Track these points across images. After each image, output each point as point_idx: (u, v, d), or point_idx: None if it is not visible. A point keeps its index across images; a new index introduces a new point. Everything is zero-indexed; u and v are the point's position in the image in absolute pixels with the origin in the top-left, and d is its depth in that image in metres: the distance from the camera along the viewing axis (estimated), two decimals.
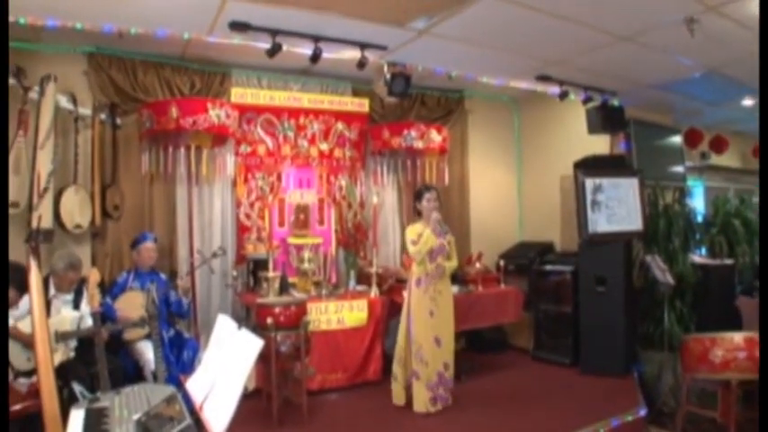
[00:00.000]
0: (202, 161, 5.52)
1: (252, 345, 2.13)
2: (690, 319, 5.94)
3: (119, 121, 5.45)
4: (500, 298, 6.12)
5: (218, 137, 5.48)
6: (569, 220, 6.87)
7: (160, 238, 5.42)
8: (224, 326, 2.46)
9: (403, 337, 5.01)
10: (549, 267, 6.79)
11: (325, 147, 6.50)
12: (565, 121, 7.33)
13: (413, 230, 5.01)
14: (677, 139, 7.72)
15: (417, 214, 5.10)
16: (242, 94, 6.05)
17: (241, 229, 6.03)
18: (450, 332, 4.94)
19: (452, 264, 5.03)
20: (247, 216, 6.07)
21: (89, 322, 3.88)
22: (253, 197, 6.11)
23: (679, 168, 7.68)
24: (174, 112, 5.12)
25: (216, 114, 5.26)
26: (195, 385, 2.39)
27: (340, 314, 5.48)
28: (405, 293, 5.07)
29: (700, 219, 6.70)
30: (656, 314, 5.85)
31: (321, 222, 6.31)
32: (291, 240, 6.03)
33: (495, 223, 7.74)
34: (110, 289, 4.94)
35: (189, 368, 4.52)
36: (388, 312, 5.73)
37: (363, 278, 6.08)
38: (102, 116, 5.37)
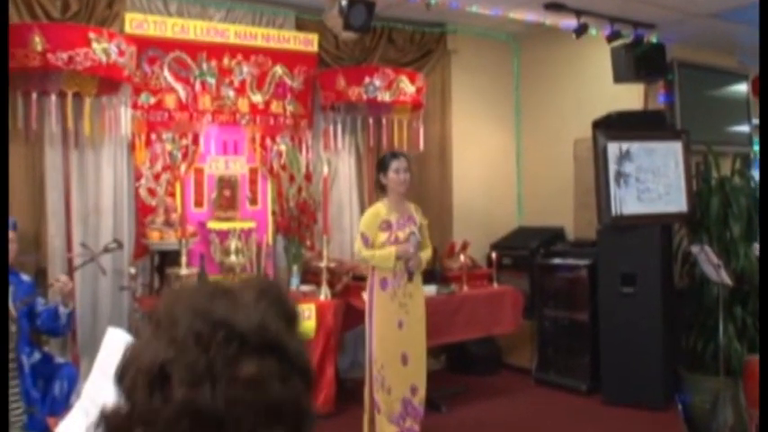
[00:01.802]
0: (84, 115, 5.26)
1: None
2: (756, 333, 5.76)
3: None
4: (492, 301, 6.12)
5: (107, 81, 5.22)
6: (585, 199, 6.82)
7: (21, 224, 5.02)
8: (116, 343, 2.10)
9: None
10: (557, 261, 6.76)
11: (258, 98, 6.35)
12: (582, 65, 7.27)
13: (372, 217, 4.86)
14: (742, 88, 7.58)
15: (380, 189, 5.01)
16: (141, 21, 5.76)
17: (142, 210, 5.83)
18: (422, 346, 4.92)
19: (426, 254, 4.99)
20: (151, 192, 5.88)
21: None
22: (158, 166, 5.91)
23: (743, 128, 7.53)
24: (37, 43, 4.75)
25: (102, 49, 4.97)
26: (71, 430, 2.06)
27: None
28: (365, 295, 5.02)
29: None
30: (708, 325, 5.79)
31: (253, 201, 6.25)
32: (213, 225, 5.92)
33: (486, 202, 7.68)
34: None
35: (62, 406, 4.24)
36: (344, 321, 5.70)
37: (310, 275, 6.07)
38: None
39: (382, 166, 4.92)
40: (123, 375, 0.86)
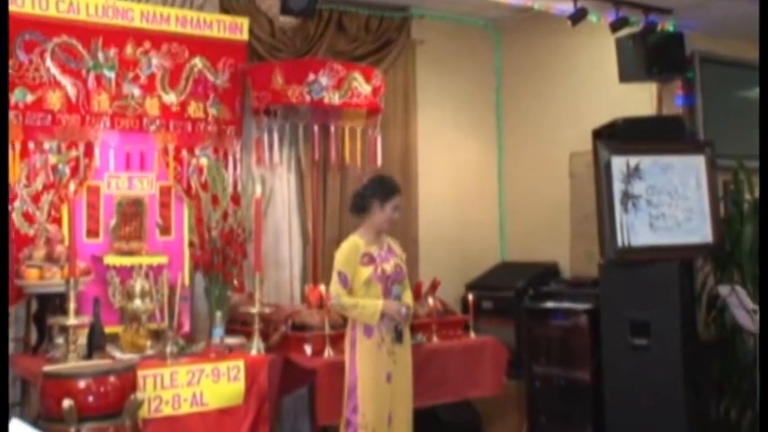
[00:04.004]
0: None
1: None
2: None
3: None
4: (469, 356, 6.07)
5: None
6: (584, 227, 6.93)
7: None
8: None
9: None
10: (550, 305, 6.77)
11: (172, 99, 6.22)
12: (580, 60, 7.36)
13: (351, 252, 5.00)
14: None
15: (356, 212, 5.17)
16: None
17: (16, 242, 5.58)
18: (409, 404, 5.07)
19: (410, 296, 5.26)
20: (28, 218, 5.70)
21: None
22: (38, 184, 5.75)
23: None
24: None
25: None
26: None
27: (197, 387, 5.20)
28: (347, 347, 5.10)
29: None
30: (743, 387, 5.85)
31: (165, 230, 6.16)
32: (111, 260, 5.77)
33: (460, 231, 7.72)
34: None
35: None
36: (281, 382, 5.53)
37: (238, 324, 5.98)
38: None
39: (382, 193, 5.04)
40: None
